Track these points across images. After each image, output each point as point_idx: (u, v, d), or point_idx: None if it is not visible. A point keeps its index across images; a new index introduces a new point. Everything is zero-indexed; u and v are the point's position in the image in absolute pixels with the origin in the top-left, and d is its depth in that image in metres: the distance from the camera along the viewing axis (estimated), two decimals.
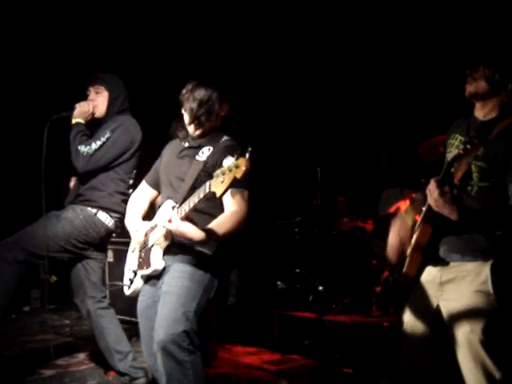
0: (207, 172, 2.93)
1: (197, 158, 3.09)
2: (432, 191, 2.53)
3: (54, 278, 6.93)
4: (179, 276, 2.94)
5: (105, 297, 4.10)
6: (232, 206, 2.97)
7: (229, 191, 2.81)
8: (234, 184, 2.61)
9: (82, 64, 6.90)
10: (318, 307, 5.26)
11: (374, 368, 4.33)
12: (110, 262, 6.03)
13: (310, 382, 4.30)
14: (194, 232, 2.78)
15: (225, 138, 3.22)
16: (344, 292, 5.56)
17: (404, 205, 5.68)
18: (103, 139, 3.86)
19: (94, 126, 4.11)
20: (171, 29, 6.84)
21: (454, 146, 2.70)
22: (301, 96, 6.39)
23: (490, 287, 2.48)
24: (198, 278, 2.95)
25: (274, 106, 6.59)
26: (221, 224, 2.90)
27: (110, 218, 3.96)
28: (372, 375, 4.22)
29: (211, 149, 3.11)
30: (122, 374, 4.01)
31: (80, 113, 4.02)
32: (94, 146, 3.84)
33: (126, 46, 7.15)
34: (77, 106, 4.05)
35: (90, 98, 4.09)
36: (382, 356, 4.43)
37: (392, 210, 5.79)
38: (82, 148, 3.84)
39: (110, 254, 6.02)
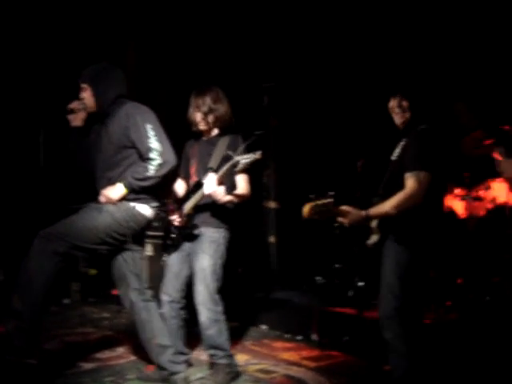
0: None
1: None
2: None
3: (93, 272, 7.03)
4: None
5: (147, 288, 4.09)
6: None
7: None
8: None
9: (120, 57, 6.91)
10: (358, 303, 5.19)
11: None
12: (149, 256, 6.03)
13: (350, 379, 4.23)
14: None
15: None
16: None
17: (446, 199, 5.58)
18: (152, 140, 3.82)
19: (93, 117, 4.09)
20: (208, 20, 6.81)
21: None
22: (345, 88, 6.30)
23: None
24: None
25: (317, 98, 6.51)
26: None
27: (149, 209, 3.94)
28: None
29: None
30: (161, 368, 4.00)
31: (74, 117, 4.06)
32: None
33: (162, 39, 7.15)
34: (69, 106, 4.06)
35: (80, 96, 4.06)
36: (424, 354, 4.34)
37: None
38: (148, 170, 3.80)
39: (150, 248, 6.02)
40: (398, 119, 3.60)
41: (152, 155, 3.77)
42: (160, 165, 3.77)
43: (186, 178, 4.34)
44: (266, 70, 6.45)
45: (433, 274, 5.42)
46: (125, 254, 4.01)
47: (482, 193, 5.41)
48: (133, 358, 4.64)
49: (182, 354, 4.11)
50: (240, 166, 3.79)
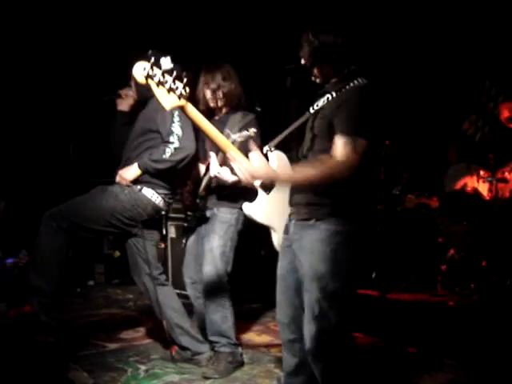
0: None
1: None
2: None
3: (117, 253, 7.08)
4: None
5: (161, 273, 4.11)
6: None
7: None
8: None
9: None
10: (381, 285, 5.17)
11: (438, 348, 4.23)
12: (172, 238, 6.07)
13: (372, 361, 4.23)
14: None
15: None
16: (408, 270, 5.47)
17: (471, 181, 5.53)
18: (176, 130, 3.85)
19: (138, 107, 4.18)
20: (231, 3, 6.78)
21: None
22: (366, 66, 6.25)
23: None
24: None
25: None
26: None
27: (156, 195, 3.94)
28: (436, 355, 4.12)
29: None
30: (183, 349, 4.04)
31: (121, 101, 4.25)
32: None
33: (185, 22, 7.13)
34: (119, 91, 4.22)
35: (131, 83, 4.17)
36: (448, 336, 4.33)
37: (458, 186, 5.64)
38: (165, 152, 3.82)
39: (172, 229, 6.06)
40: (319, 77, 2.95)
41: (171, 138, 3.80)
42: (177, 149, 3.79)
43: (204, 160, 4.19)
44: (287, 51, 6.41)
45: (457, 256, 5.39)
46: (135, 239, 4.03)
47: (507, 174, 5.35)
48: (157, 338, 4.67)
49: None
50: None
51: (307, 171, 2.64)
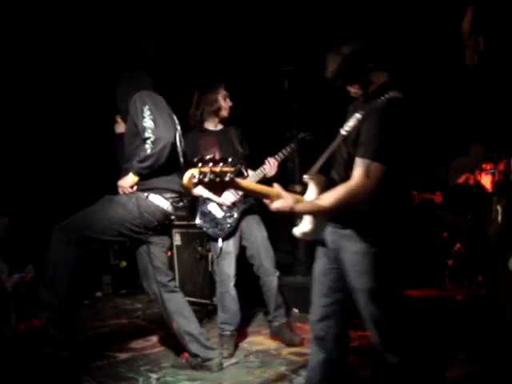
0: None
1: None
2: None
3: (123, 264, 7.09)
4: None
5: (171, 280, 4.11)
6: None
7: None
8: None
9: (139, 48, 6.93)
10: None
11: (449, 343, 4.22)
12: (177, 246, 6.08)
13: (382, 360, 4.22)
14: None
15: None
16: (415, 266, 5.46)
17: (473, 174, 5.52)
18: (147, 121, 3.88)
19: None
20: (228, 6, 6.80)
21: None
22: None
23: None
24: None
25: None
26: None
27: (164, 200, 3.96)
28: (448, 350, 4.11)
29: None
30: (194, 356, 4.03)
31: (118, 125, 4.42)
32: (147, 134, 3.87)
33: (181, 25, 7.16)
34: (116, 117, 4.38)
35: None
36: (457, 330, 4.32)
37: (461, 179, 5.63)
38: (146, 150, 3.86)
39: (178, 237, 6.06)
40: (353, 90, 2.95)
41: (146, 134, 3.83)
42: (153, 142, 3.81)
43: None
44: (285, 53, 6.41)
45: (463, 250, 5.39)
46: (146, 246, 4.02)
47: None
48: (167, 346, 4.68)
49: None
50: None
51: (330, 198, 2.65)
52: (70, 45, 6.74)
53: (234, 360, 4.28)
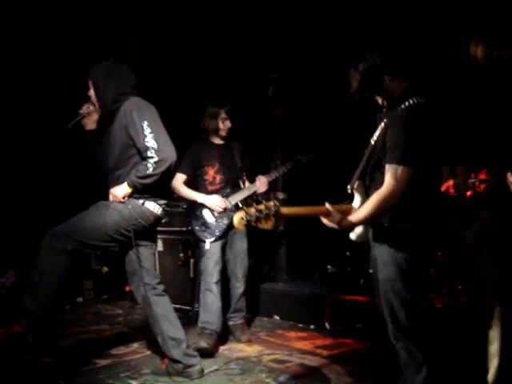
0: None
1: None
2: None
3: (105, 269, 7.07)
4: None
5: (159, 283, 4.11)
6: None
7: None
8: None
9: (122, 53, 6.93)
10: (370, 290, 5.19)
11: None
12: (160, 251, 6.06)
13: (364, 367, 4.25)
14: None
15: None
16: None
17: (454, 183, 5.55)
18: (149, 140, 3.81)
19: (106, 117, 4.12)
20: (211, 12, 6.80)
21: None
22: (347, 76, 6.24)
23: None
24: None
25: (321, 87, 6.47)
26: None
27: (158, 206, 3.96)
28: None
29: None
30: (175, 361, 4.01)
31: (86, 121, 4.20)
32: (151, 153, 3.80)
33: (165, 33, 7.16)
34: (79, 111, 4.16)
35: (88, 93, 4.14)
36: (437, 337, 4.34)
37: (442, 189, 5.66)
38: (148, 168, 3.80)
39: (160, 243, 6.05)
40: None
41: (149, 153, 3.77)
42: (157, 162, 3.77)
43: (190, 176, 5.07)
44: (269, 61, 6.43)
45: (443, 257, 5.41)
46: (135, 249, 4.00)
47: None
48: (148, 352, 4.67)
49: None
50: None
51: (366, 209, 2.89)
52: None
53: (214, 367, 4.27)
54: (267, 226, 2.86)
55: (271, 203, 2.82)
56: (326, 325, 5.22)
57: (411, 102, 2.86)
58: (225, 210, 4.93)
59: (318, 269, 6.25)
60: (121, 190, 3.88)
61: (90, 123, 4.20)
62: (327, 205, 2.99)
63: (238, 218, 2.79)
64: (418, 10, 5.63)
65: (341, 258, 6.01)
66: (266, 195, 4.90)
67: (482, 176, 5.33)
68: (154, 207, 3.95)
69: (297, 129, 6.39)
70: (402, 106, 2.87)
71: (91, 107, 4.13)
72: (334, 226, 2.99)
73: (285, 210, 2.90)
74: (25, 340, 3.64)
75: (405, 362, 3.03)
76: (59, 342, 4.89)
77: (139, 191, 3.88)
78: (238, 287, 5.10)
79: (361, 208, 2.96)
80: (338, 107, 6.37)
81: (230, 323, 5.14)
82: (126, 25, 7.15)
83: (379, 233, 3.03)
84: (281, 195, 5.51)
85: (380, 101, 3.08)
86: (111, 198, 3.92)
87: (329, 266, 6.12)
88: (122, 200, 3.87)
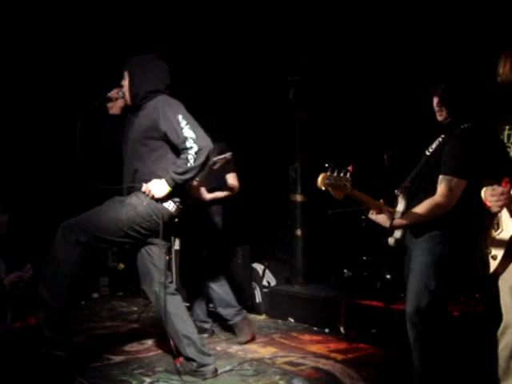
0: None
1: None
2: None
3: (121, 266, 7.09)
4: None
5: (171, 282, 4.10)
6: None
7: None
8: None
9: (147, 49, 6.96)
10: (386, 296, 5.16)
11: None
12: (176, 250, 6.06)
13: (378, 372, 4.22)
14: None
15: None
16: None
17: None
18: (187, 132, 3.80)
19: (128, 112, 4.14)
20: (234, 14, 6.81)
21: None
22: (372, 80, 6.24)
23: None
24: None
25: (343, 90, 6.46)
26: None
27: (172, 204, 3.95)
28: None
29: None
30: (189, 360, 4.01)
31: (113, 105, 4.18)
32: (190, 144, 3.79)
33: (188, 34, 7.18)
34: (108, 94, 4.15)
35: (121, 83, 4.13)
36: (453, 346, 4.31)
37: None
38: (188, 160, 3.79)
39: (177, 241, 6.05)
40: (438, 116, 3.46)
41: (188, 144, 3.76)
42: (197, 152, 3.75)
43: None
44: (290, 63, 6.42)
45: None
46: (149, 248, 4.01)
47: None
48: (161, 350, 4.68)
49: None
50: (216, 165, 4.72)
51: (416, 214, 3.24)
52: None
53: (228, 367, 4.26)
54: (338, 195, 3.20)
55: (349, 178, 3.15)
56: (341, 329, 5.21)
57: (466, 125, 3.29)
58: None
59: (335, 273, 6.22)
60: (160, 189, 3.84)
61: (115, 108, 4.19)
62: (382, 202, 3.35)
63: (322, 175, 3.10)
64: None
65: (357, 263, 5.97)
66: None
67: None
68: (169, 205, 3.94)
69: (318, 131, 6.37)
70: (461, 127, 3.29)
71: (120, 93, 4.13)
72: (385, 223, 3.31)
73: (354, 191, 3.23)
74: (41, 333, 3.66)
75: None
76: (74, 337, 4.92)
77: (173, 193, 3.87)
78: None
79: (411, 211, 3.27)
80: (359, 110, 6.37)
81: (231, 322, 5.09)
82: (148, 24, 7.18)
83: (423, 229, 3.30)
84: (299, 197, 5.38)
85: (441, 118, 3.41)
86: (146, 191, 3.87)
87: (345, 270, 6.08)
88: (156, 196, 3.85)
